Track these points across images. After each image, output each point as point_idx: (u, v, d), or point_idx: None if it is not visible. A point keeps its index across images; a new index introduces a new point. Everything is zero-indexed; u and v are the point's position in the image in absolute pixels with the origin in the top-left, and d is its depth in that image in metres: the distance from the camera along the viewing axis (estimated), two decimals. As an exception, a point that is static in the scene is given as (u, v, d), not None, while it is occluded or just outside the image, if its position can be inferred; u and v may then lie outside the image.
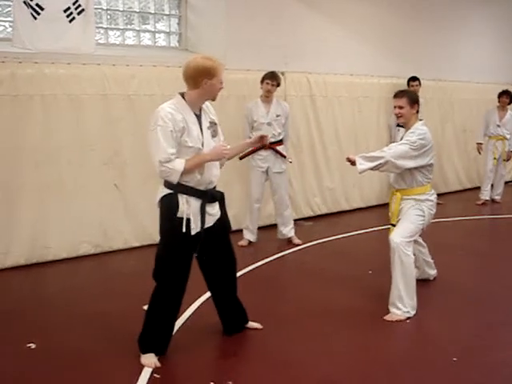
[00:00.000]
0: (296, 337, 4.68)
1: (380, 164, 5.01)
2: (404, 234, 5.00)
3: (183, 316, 4.95)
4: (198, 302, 5.21)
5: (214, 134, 4.26)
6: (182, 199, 4.07)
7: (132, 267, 6.52)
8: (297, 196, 8.25)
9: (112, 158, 6.79)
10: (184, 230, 4.04)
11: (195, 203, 4.12)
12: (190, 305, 5.14)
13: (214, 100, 4.28)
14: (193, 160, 4.03)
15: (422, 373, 4.09)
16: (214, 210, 4.27)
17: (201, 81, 4.06)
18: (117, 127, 6.81)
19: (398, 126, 9.68)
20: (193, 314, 5.00)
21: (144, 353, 4.17)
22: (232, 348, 4.41)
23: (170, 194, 4.11)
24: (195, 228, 4.12)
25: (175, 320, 4.40)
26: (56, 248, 6.49)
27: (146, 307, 4.24)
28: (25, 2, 6.02)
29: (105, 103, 6.70)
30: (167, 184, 4.13)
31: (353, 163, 5.02)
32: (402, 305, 4.97)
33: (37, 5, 6.09)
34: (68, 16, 6.34)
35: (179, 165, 3.97)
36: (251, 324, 4.76)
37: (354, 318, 5.03)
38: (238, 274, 5.76)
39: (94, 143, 6.65)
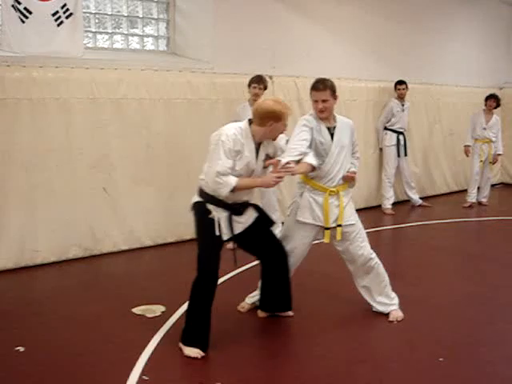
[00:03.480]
0: (284, 338, 4.72)
1: None
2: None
3: (175, 315, 4.99)
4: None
5: (265, 166, 4.53)
6: (211, 207, 4.44)
7: (121, 270, 6.54)
8: (285, 199, 8.28)
9: (100, 161, 6.80)
10: (217, 232, 4.39)
11: (222, 213, 4.44)
12: (182, 305, 5.17)
13: (274, 140, 4.54)
14: (244, 181, 4.37)
15: (407, 373, 4.13)
16: (242, 219, 4.56)
17: (267, 122, 4.36)
18: (105, 131, 6.82)
19: (386, 129, 9.78)
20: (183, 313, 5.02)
21: (189, 346, 4.33)
22: (221, 349, 4.42)
23: (200, 201, 4.49)
24: (227, 234, 4.47)
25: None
26: (45, 251, 6.48)
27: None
28: (13, 6, 6.03)
29: (93, 107, 6.70)
30: (199, 192, 4.51)
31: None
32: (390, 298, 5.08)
33: (25, 8, 6.11)
34: (56, 20, 6.36)
35: (232, 180, 4.27)
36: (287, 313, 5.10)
37: (337, 319, 5.07)
38: (225, 277, 5.86)
39: (82, 147, 6.65)
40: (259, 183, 4.49)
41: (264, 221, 4.74)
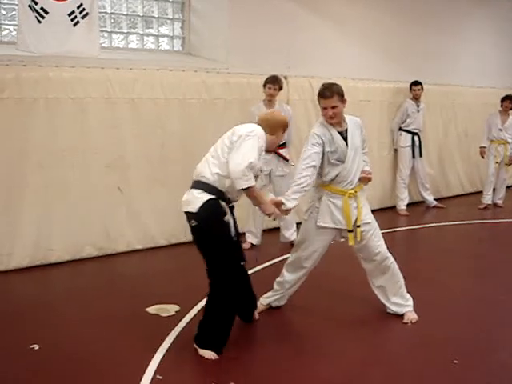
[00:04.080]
0: (298, 338, 4.71)
1: None
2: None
3: (189, 314, 5.00)
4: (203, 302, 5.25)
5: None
6: (223, 204, 4.33)
7: (135, 269, 6.56)
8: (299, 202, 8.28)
9: (115, 160, 6.82)
10: (232, 234, 4.39)
11: (229, 212, 4.40)
12: (196, 304, 5.19)
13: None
14: (258, 191, 4.39)
15: (422, 375, 4.11)
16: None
17: (278, 131, 4.54)
18: (120, 130, 6.84)
19: (401, 130, 9.75)
20: (198, 312, 5.02)
21: (205, 348, 4.30)
22: (235, 349, 4.42)
23: (213, 199, 4.27)
24: (234, 235, 4.44)
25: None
26: (59, 250, 6.51)
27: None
28: (30, 6, 6.06)
29: (108, 106, 6.73)
30: (210, 190, 4.29)
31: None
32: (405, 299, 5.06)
33: (41, 9, 6.13)
34: (72, 20, 6.38)
35: (253, 179, 4.22)
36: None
37: (351, 320, 5.06)
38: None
39: (97, 146, 6.67)
40: (263, 203, 4.41)
41: None
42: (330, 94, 4.66)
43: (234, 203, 4.49)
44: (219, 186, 4.30)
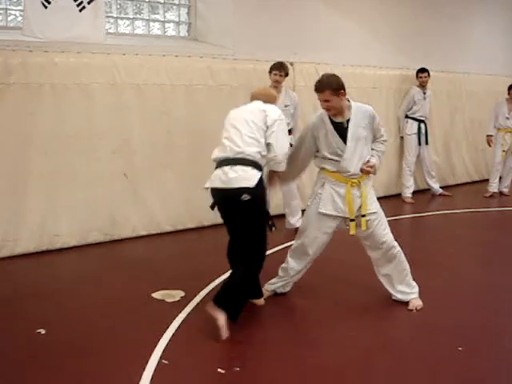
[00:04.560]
0: (303, 325, 4.72)
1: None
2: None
3: (194, 300, 5.03)
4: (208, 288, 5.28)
5: None
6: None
7: (140, 255, 6.57)
8: (305, 187, 8.25)
9: (121, 146, 6.83)
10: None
11: None
12: (201, 290, 5.22)
13: None
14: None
15: (427, 361, 4.11)
16: None
17: (273, 101, 4.98)
18: (126, 116, 6.84)
19: (407, 117, 9.72)
20: (203, 298, 5.04)
21: (223, 308, 4.38)
22: (240, 335, 4.43)
23: (261, 175, 4.58)
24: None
25: None
26: (65, 236, 6.54)
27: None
28: (36, -9, 6.05)
29: (114, 92, 6.73)
30: (258, 167, 4.55)
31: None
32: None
33: (47, -6, 6.13)
34: (78, 5, 6.36)
35: None
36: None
37: (356, 307, 5.05)
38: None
39: (103, 132, 6.68)
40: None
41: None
42: (321, 88, 4.65)
43: None
44: (262, 163, 4.61)
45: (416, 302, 4.99)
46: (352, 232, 4.82)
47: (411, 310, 4.93)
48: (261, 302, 5.03)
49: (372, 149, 4.89)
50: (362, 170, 4.77)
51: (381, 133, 4.93)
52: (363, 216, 4.78)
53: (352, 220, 4.79)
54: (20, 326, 4.56)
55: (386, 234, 4.92)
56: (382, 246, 4.90)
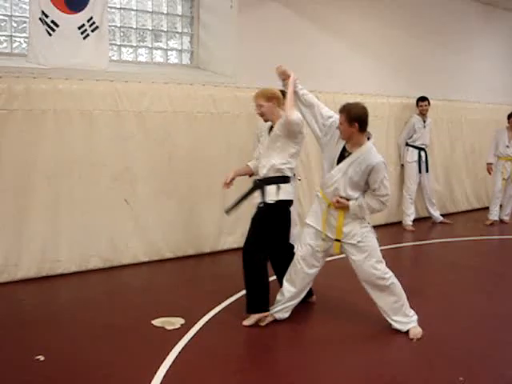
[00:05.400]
0: (302, 353, 4.71)
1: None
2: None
3: (194, 327, 5.00)
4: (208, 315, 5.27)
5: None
6: None
7: (141, 282, 6.57)
8: (305, 213, 8.28)
9: (123, 173, 6.85)
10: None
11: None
12: (201, 317, 5.22)
13: (264, 120, 5.45)
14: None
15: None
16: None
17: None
18: (128, 143, 6.87)
19: (407, 145, 9.77)
20: (203, 326, 5.03)
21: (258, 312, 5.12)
22: (241, 362, 4.42)
23: None
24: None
25: None
26: (66, 261, 6.53)
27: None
28: (40, 19, 6.11)
29: (117, 119, 6.77)
30: None
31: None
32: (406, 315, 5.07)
33: (52, 21, 6.19)
34: (82, 33, 6.43)
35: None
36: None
37: (356, 336, 5.04)
38: (243, 292, 5.92)
39: (105, 158, 6.71)
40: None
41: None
42: (341, 110, 4.84)
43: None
44: None
45: (415, 331, 4.98)
46: (335, 250, 5.02)
47: (412, 339, 4.91)
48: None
49: (363, 196, 4.92)
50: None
51: (379, 192, 4.87)
52: (338, 240, 4.95)
53: (337, 240, 4.98)
54: (19, 352, 4.53)
55: (375, 267, 4.95)
56: (371, 278, 4.96)
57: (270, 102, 5.29)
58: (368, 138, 4.88)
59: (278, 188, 5.16)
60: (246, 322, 5.12)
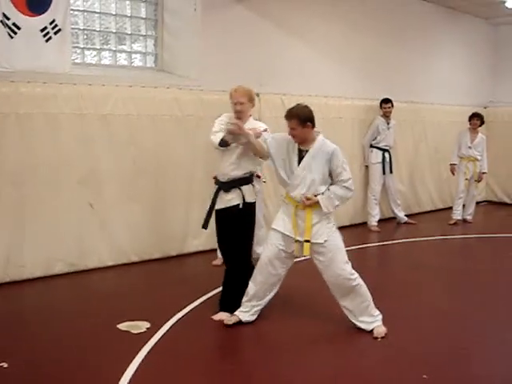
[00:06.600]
0: (267, 353, 4.73)
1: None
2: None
3: (160, 331, 4.99)
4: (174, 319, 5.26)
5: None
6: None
7: (107, 286, 6.54)
8: (271, 217, 8.31)
9: (87, 176, 6.80)
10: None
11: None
12: (167, 321, 5.18)
13: (237, 117, 5.41)
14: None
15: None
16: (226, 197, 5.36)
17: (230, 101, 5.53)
18: (92, 146, 6.83)
19: (371, 146, 9.86)
20: (169, 329, 5.03)
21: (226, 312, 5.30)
22: (206, 364, 4.43)
23: None
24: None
25: None
26: (31, 267, 6.45)
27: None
28: (1, 22, 6.05)
29: (81, 122, 6.72)
30: None
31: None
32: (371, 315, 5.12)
33: (13, 24, 6.13)
34: (45, 35, 6.38)
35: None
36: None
37: (321, 336, 5.08)
38: (209, 294, 5.92)
39: (69, 162, 6.65)
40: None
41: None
42: (289, 116, 4.96)
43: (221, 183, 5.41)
44: None
45: (380, 329, 5.04)
46: (305, 253, 4.99)
47: (376, 338, 4.97)
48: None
49: (328, 189, 5.00)
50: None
51: (341, 177, 4.98)
52: (307, 241, 4.95)
53: (297, 240, 5.01)
54: (-18, 359, 4.49)
55: (341, 267, 4.99)
56: (337, 279, 5.00)
57: (250, 102, 5.50)
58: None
59: (253, 187, 5.41)
60: (216, 317, 5.31)
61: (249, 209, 5.36)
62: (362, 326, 5.09)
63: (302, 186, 4.95)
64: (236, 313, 5.25)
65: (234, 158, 5.28)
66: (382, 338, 4.97)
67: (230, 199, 5.32)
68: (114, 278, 6.82)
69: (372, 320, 5.09)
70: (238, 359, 4.73)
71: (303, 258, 5.33)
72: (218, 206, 5.40)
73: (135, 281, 6.73)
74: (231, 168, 5.30)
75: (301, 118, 4.88)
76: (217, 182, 5.45)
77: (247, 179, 5.37)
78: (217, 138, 5.27)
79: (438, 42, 11.76)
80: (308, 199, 4.92)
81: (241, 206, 5.30)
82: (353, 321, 5.13)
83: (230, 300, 5.31)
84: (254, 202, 5.45)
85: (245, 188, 5.34)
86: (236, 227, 5.34)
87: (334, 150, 4.95)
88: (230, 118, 5.42)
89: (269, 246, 5.16)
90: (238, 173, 5.30)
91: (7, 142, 6.23)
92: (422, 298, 6.19)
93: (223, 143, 5.23)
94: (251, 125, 5.41)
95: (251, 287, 5.24)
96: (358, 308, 5.08)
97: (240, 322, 5.21)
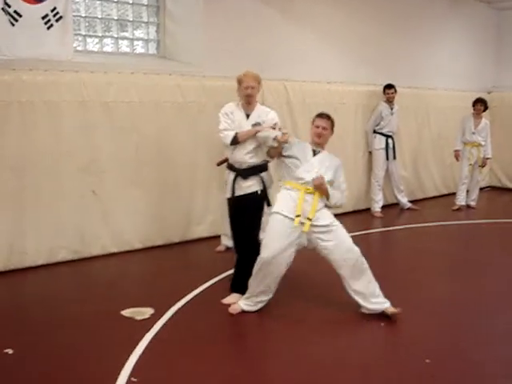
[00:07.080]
0: (271, 339, 4.74)
1: None
2: None
3: (164, 317, 5.00)
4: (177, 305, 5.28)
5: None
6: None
7: (110, 273, 6.55)
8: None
9: (90, 164, 6.80)
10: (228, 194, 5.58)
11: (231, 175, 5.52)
12: (170, 307, 5.20)
13: (247, 102, 5.56)
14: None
15: (394, 375, 4.16)
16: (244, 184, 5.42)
17: (238, 87, 5.60)
18: (94, 134, 6.82)
19: (375, 132, 9.84)
20: (173, 315, 5.05)
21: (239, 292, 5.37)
22: (209, 350, 4.45)
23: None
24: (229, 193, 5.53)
25: None
26: (33, 254, 6.47)
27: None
28: (3, 9, 6.02)
29: (82, 110, 6.71)
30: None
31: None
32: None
33: (15, 12, 6.10)
34: (46, 23, 6.35)
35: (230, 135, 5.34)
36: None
37: (325, 321, 5.09)
38: (212, 281, 5.93)
39: (71, 149, 6.65)
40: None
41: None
42: (327, 117, 5.31)
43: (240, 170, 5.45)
44: None
45: (392, 308, 5.08)
46: (305, 229, 4.98)
47: (395, 314, 5.02)
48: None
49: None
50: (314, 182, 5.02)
51: (342, 186, 5.27)
52: (309, 219, 4.98)
53: (298, 216, 5.01)
54: (-13, 346, 4.52)
55: (351, 246, 5.04)
56: (349, 258, 4.99)
57: (259, 86, 5.63)
58: None
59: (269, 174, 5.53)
60: (226, 300, 5.37)
61: (264, 194, 5.45)
62: (376, 306, 5.09)
63: (315, 172, 5.04)
64: (241, 302, 5.25)
65: (251, 148, 5.35)
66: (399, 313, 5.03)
67: (249, 186, 5.41)
68: (118, 265, 6.83)
69: (384, 300, 5.11)
70: (242, 345, 4.74)
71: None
72: (236, 193, 5.46)
73: (138, 268, 6.75)
74: (249, 156, 5.37)
75: (333, 124, 5.29)
76: (232, 168, 5.52)
77: (265, 166, 5.49)
78: (228, 136, 5.34)
79: (441, 27, 11.69)
80: (322, 179, 5.00)
81: (259, 193, 5.39)
82: (364, 305, 5.10)
83: (242, 282, 5.31)
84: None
85: (263, 174, 5.45)
86: (251, 212, 5.43)
87: (340, 164, 5.27)
88: (235, 107, 5.58)
89: (275, 235, 5.07)
90: (256, 160, 5.39)
91: (9, 129, 6.23)
92: (425, 283, 6.19)
93: (235, 141, 5.31)
94: (259, 110, 5.53)
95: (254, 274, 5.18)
96: (370, 289, 5.09)
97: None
